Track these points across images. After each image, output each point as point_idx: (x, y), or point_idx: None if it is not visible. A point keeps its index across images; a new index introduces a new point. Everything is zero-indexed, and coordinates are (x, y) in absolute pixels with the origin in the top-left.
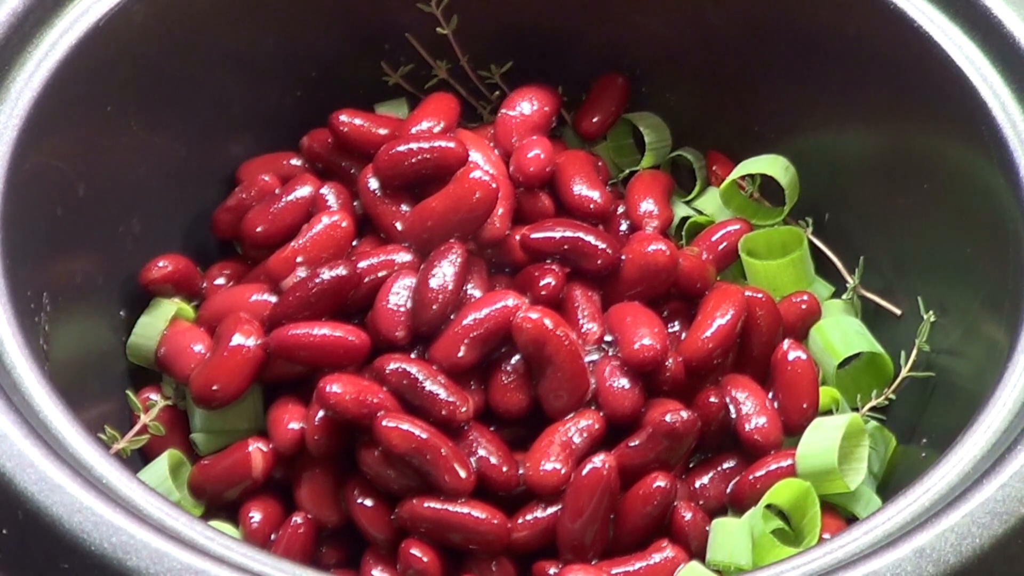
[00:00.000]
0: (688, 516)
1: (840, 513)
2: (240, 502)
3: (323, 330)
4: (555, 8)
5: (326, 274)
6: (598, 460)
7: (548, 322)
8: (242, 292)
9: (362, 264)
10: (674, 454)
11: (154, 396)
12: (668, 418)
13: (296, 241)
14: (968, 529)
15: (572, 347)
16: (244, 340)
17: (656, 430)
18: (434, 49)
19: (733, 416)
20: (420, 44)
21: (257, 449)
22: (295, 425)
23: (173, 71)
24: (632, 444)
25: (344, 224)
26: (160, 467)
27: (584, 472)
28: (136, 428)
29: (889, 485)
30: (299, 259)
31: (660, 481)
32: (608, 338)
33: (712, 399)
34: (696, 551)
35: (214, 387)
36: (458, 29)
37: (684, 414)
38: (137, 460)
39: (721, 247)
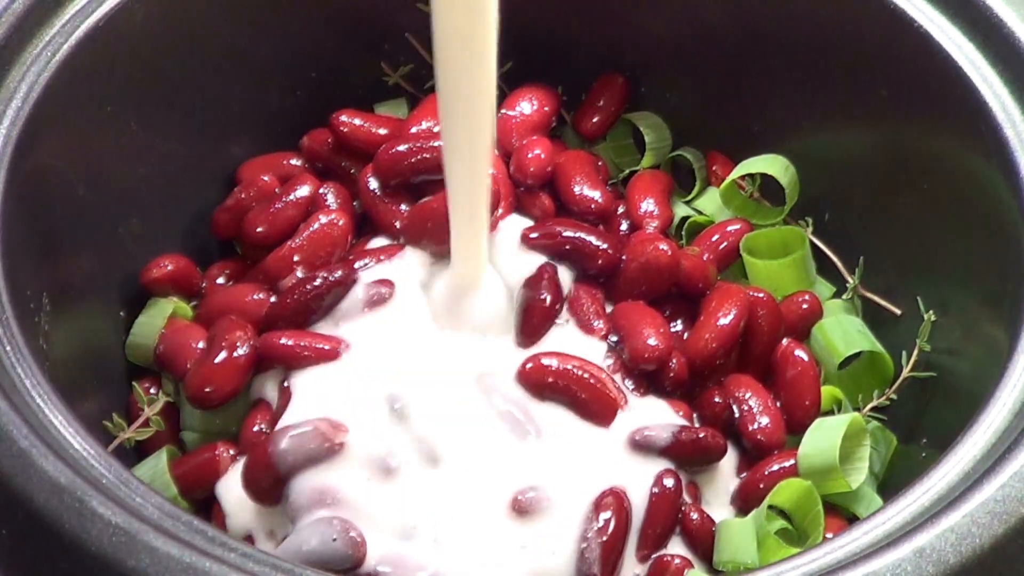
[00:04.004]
0: (695, 517)
1: (841, 513)
2: (211, 502)
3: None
4: (555, 8)
5: (323, 276)
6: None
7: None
8: (240, 292)
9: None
10: None
11: (154, 389)
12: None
13: (293, 240)
14: (968, 529)
15: None
16: (236, 343)
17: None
18: None
19: (736, 416)
20: (420, 44)
21: (225, 452)
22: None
23: (173, 71)
24: None
25: (340, 223)
26: (158, 462)
27: None
28: (141, 419)
29: (889, 485)
30: (296, 258)
31: (667, 480)
32: (613, 338)
33: (716, 399)
34: (703, 552)
35: (207, 389)
36: None
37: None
38: (136, 460)
39: (721, 247)
